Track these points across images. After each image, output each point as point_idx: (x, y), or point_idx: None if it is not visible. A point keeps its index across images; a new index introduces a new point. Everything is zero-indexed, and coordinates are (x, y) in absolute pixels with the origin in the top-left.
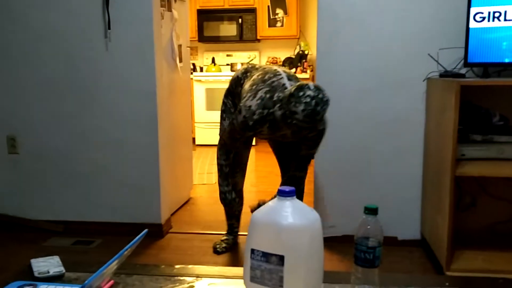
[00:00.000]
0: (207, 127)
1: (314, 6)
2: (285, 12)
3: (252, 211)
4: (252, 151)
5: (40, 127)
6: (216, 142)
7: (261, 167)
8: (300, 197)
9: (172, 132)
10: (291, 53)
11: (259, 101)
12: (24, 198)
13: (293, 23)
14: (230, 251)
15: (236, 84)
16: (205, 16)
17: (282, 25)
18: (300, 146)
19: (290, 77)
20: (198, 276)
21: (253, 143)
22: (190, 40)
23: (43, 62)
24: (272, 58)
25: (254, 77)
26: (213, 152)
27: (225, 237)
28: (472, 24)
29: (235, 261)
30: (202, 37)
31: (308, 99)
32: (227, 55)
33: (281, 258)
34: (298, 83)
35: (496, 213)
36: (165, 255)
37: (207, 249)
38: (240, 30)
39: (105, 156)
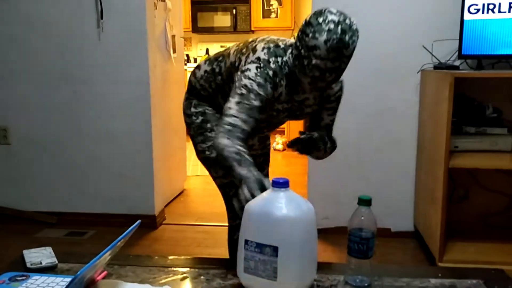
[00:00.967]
0: None
1: None
2: (280, 3)
3: (289, 145)
4: None
5: (32, 117)
6: None
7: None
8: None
9: (166, 123)
10: None
11: (265, 51)
12: (17, 189)
13: (288, 14)
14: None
15: (210, 80)
16: (199, 6)
17: (276, 16)
18: (321, 117)
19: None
20: (191, 267)
21: None
22: (184, 31)
23: (35, 52)
24: None
25: (234, 50)
26: None
27: None
28: (467, 16)
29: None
30: (196, 28)
31: (332, 25)
32: (221, 46)
33: (275, 249)
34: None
35: (489, 205)
36: (159, 246)
37: (200, 240)
38: (234, 21)
39: (98, 146)
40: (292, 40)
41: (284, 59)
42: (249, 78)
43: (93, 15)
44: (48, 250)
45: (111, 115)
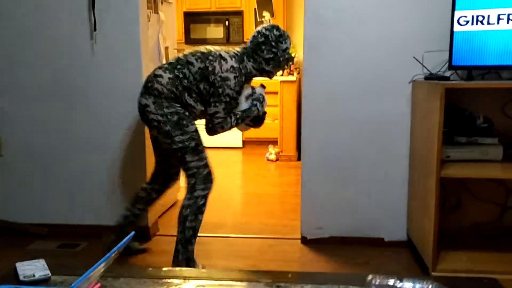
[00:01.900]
0: None
1: (300, 9)
2: (272, 15)
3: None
4: (239, 153)
5: (25, 129)
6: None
7: (248, 170)
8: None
9: None
10: None
11: (234, 59)
12: (8, 200)
13: (280, 25)
14: (216, 253)
15: (176, 84)
16: (191, 18)
17: None
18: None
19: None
20: (185, 278)
21: (240, 145)
22: (177, 43)
23: (28, 64)
24: None
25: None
26: None
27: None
28: (456, 28)
29: (222, 263)
30: (189, 40)
31: (286, 34)
32: None
33: None
34: (270, 25)
35: (481, 214)
36: (152, 258)
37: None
38: (227, 33)
39: (90, 158)
40: (235, 49)
41: (243, 64)
42: (231, 88)
43: (87, 27)
44: (41, 263)
45: (103, 126)
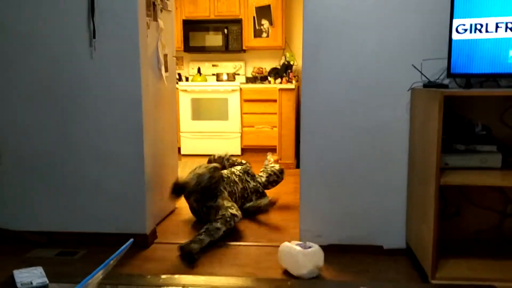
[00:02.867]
0: (193, 137)
1: (299, 18)
2: (271, 23)
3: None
4: None
5: (23, 136)
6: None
7: None
8: None
9: (158, 141)
10: (276, 63)
11: None
12: (7, 208)
13: (279, 34)
14: (215, 261)
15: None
16: (191, 26)
17: (267, 36)
18: None
19: None
20: (184, 286)
21: (239, 153)
22: (176, 50)
23: (27, 71)
24: (258, 69)
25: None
26: (199, 162)
27: None
28: (455, 36)
29: (221, 271)
30: (188, 47)
31: None
32: (213, 65)
33: None
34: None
35: (480, 221)
36: (150, 266)
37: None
38: (225, 41)
39: (89, 165)
40: None
41: None
42: None
43: (86, 34)
44: (39, 270)
45: (103, 133)
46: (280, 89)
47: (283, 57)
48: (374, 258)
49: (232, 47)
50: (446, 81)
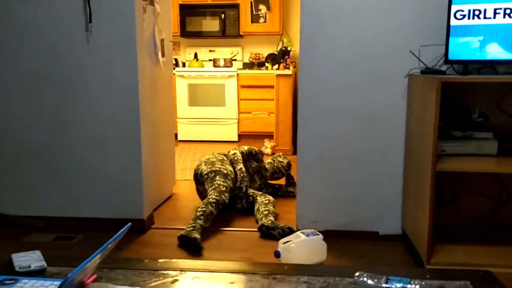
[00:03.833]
0: (190, 122)
1: (297, 3)
2: (268, 8)
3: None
4: (235, 147)
5: (20, 121)
6: (199, 138)
7: None
8: None
9: (155, 127)
10: (274, 49)
11: None
12: (4, 193)
13: (276, 19)
14: (211, 246)
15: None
16: (187, 11)
17: (265, 21)
18: None
19: None
20: (182, 270)
21: (236, 139)
22: (173, 35)
23: (23, 55)
24: (255, 54)
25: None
26: (196, 147)
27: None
28: (453, 22)
29: (218, 256)
30: (185, 32)
31: None
32: (210, 51)
33: None
34: None
35: (475, 208)
36: (147, 251)
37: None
38: (223, 26)
39: (86, 150)
40: None
41: None
42: None
43: (82, 19)
44: (37, 254)
45: (99, 119)
46: (278, 75)
47: (281, 43)
48: (370, 244)
49: (229, 32)
50: (444, 68)
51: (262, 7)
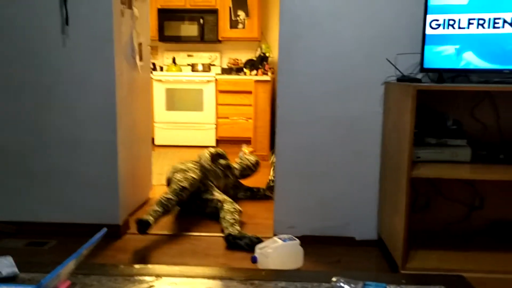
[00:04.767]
0: (167, 127)
1: (275, 9)
2: (247, 14)
3: None
4: None
5: None
6: (177, 143)
7: None
8: None
9: (132, 131)
10: (252, 55)
11: None
12: None
13: (255, 25)
14: (188, 252)
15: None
16: (166, 15)
17: (243, 27)
18: None
19: None
20: (158, 276)
21: (214, 144)
22: (151, 39)
23: None
24: (234, 60)
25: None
26: (173, 152)
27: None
28: (428, 31)
29: (194, 262)
30: (163, 37)
31: None
32: (188, 55)
33: None
34: None
35: (449, 213)
36: (123, 256)
37: (166, 250)
38: (201, 31)
39: (61, 154)
40: None
41: None
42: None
43: (58, 21)
44: (9, 260)
45: (75, 122)
46: (256, 81)
47: (259, 49)
48: (346, 249)
49: (207, 37)
50: (420, 76)
51: (241, 13)
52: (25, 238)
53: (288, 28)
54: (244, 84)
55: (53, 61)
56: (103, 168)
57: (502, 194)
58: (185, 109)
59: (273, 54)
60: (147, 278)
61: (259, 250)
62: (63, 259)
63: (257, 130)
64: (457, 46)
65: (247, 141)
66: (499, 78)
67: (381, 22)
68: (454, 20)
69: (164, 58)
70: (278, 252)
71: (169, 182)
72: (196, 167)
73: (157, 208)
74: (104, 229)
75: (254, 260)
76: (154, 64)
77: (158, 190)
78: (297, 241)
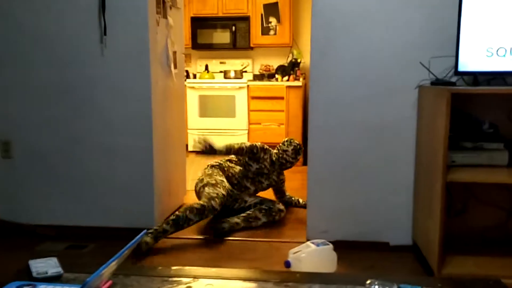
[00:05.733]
0: (200, 133)
1: (306, 15)
2: (278, 21)
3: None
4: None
5: (33, 131)
6: None
7: None
8: None
9: (166, 137)
10: (284, 61)
11: None
12: (16, 202)
13: (286, 31)
14: (223, 255)
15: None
16: (199, 23)
17: (275, 33)
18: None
19: None
20: (195, 277)
21: None
22: (184, 47)
23: (37, 66)
24: (265, 66)
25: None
26: (206, 158)
27: None
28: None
29: (229, 265)
30: (196, 45)
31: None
32: (220, 63)
33: None
34: None
35: (486, 218)
36: (158, 259)
37: (200, 254)
38: (233, 38)
39: (99, 160)
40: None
41: None
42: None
43: (97, 31)
44: (54, 260)
45: (112, 129)
46: (287, 87)
47: (290, 55)
48: (380, 255)
49: (239, 44)
50: (454, 79)
51: (273, 20)
52: (65, 242)
53: (320, 33)
54: (276, 90)
55: (91, 69)
56: (139, 173)
57: None
58: (218, 115)
59: (305, 60)
60: (184, 279)
61: (292, 254)
62: (103, 261)
63: (289, 135)
64: (492, 48)
65: None
66: None
67: (413, 25)
68: None
69: (197, 66)
70: (312, 256)
71: (198, 194)
72: (222, 178)
73: (166, 227)
74: (144, 231)
75: (287, 264)
76: (187, 72)
77: (192, 195)
78: (331, 246)
